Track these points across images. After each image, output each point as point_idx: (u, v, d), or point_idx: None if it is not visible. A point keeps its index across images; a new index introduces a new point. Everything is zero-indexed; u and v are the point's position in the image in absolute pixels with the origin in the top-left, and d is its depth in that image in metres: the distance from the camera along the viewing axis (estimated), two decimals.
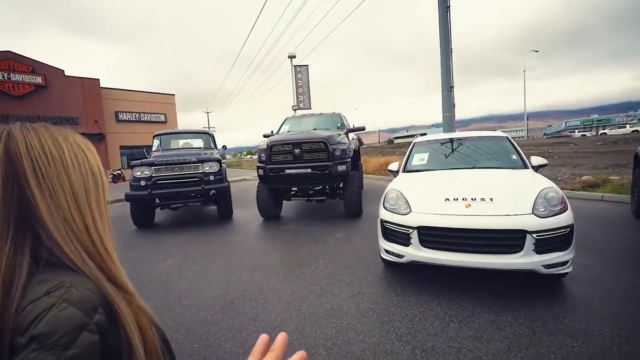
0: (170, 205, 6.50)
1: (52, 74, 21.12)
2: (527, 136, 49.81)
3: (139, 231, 6.17)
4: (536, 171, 3.65)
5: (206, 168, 6.07)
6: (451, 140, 4.58)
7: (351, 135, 7.39)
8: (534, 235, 2.51)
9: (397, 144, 35.79)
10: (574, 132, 47.18)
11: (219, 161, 6.23)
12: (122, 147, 24.68)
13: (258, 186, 6.23)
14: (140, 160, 5.95)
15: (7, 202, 0.47)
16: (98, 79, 23.56)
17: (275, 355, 0.35)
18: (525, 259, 2.53)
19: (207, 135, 8.05)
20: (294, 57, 20.30)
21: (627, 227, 4.57)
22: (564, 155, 14.23)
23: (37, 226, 0.48)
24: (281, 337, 0.39)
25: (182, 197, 6.05)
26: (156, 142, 7.44)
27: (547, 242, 2.54)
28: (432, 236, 2.83)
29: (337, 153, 5.64)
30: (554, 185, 2.93)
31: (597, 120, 52.14)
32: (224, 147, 8.44)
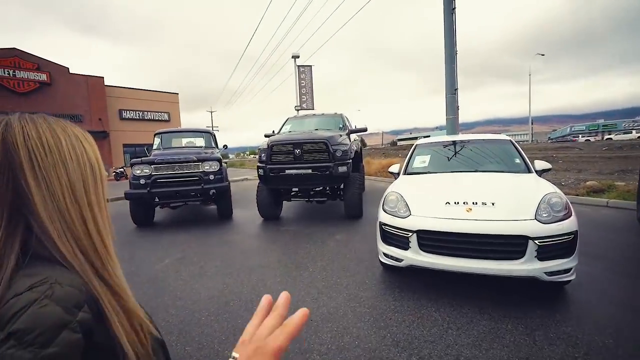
0: (170, 204, 6.48)
1: (57, 71, 21.28)
2: (532, 140, 49.50)
3: (138, 230, 6.15)
4: (540, 176, 3.58)
5: (206, 167, 6.03)
6: (453, 142, 4.52)
7: (353, 136, 7.33)
8: (536, 241, 2.45)
9: (400, 146, 35.69)
10: (578, 137, 46.82)
11: (219, 160, 6.20)
12: (125, 145, 24.78)
13: (258, 186, 6.20)
14: (140, 159, 5.93)
15: (3, 192, 0.46)
16: (102, 77, 23.70)
17: (278, 314, 0.33)
18: (526, 266, 2.46)
19: (207, 134, 8.02)
20: (298, 57, 20.30)
21: (632, 234, 4.48)
22: (568, 160, 14.09)
23: (30, 217, 0.47)
24: (284, 296, 0.36)
25: (182, 196, 6.02)
26: (157, 141, 7.42)
27: (549, 249, 2.47)
28: (431, 240, 2.77)
29: (338, 154, 5.59)
30: (558, 191, 2.87)
31: (603, 125, 51.67)
32: (225, 146, 8.41)
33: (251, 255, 4.33)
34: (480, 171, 3.74)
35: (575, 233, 2.52)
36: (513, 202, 2.77)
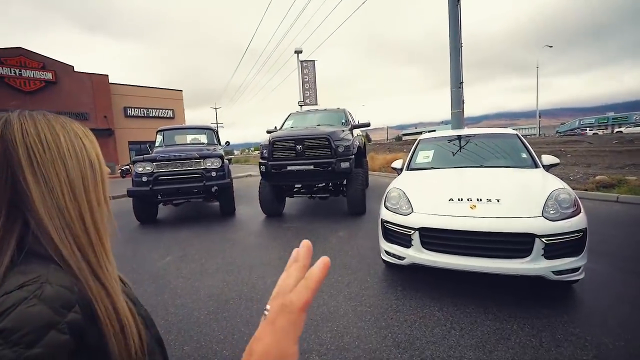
0: (173, 201, 6.47)
1: (62, 70, 21.43)
2: (539, 134, 48.77)
3: (141, 227, 6.16)
4: (547, 171, 3.48)
5: (208, 164, 6.00)
6: (458, 137, 4.41)
7: (356, 131, 7.24)
8: (543, 239, 2.36)
9: (405, 141, 35.43)
10: (586, 130, 45.94)
11: (221, 157, 6.16)
12: (130, 143, 24.96)
13: (260, 182, 6.16)
14: (142, 156, 5.92)
15: (2, 188, 0.46)
16: (107, 75, 23.82)
17: (301, 265, 0.31)
18: (533, 265, 2.38)
19: (210, 131, 7.98)
20: (301, 52, 20.12)
21: None
22: (577, 154, 13.82)
23: (28, 214, 0.47)
24: (305, 245, 0.34)
25: (184, 193, 6.01)
26: (159, 138, 7.41)
27: (557, 247, 2.38)
28: (434, 238, 2.69)
29: (340, 150, 5.51)
30: (566, 186, 2.77)
31: (613, 118, 50.59)
32: (227, 143, 8.37)
33: (252, 252, 4.30)
34: (485, 166, 3.64)
35: (584, 230, 2.43)
36: (519, 199, 2.68)
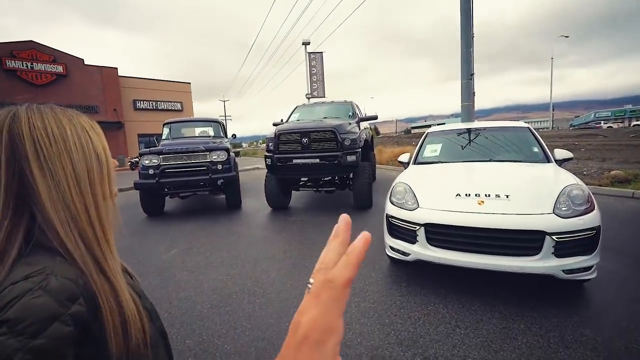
0: (179, 194, 6.51)
1: (72, 63, 21.66)
2: (552, 127, 47.59)
3: (149, 219, 6.22)
4: (560, 165, 3.35)
5: (214, 157, 5.99)
6: (467, 130, 4.29)
7: (363, 124, 7.14)
8: (553, 237, 2.27)
9: (414, 134, 35.02)
10: (600, 123, 44.61)
11: (227, 150, 6.14)
12: (140, 135, 25.22)
13: (266, 176, 6.14)
14: (148, 149, 5.95)
15: (10, 182, 0.47)
16: (116, 68, 24.00)
17: (342, 241, 0.31)
18: (542, 263, 2.30)
19: (216, 124, 7.97)
20: (309, 43, 19.88)
21: None
22: (591, 148, 13.43)
23: (34, 207, 0.48)
24: (343, 220, 0.33)
25: (190, 186, 6.03)
26: (166, 131, 7.43)
27: (568, 245, 2.30)
28: (440, 234, 2.63)
29: (347, 143, 5.44)
30: (580, 182, 2.66)
31: (631, 111, 48.97)
32: (234, 135, 8.36)
33: (257, 246, 4.30)
34: (494, 161, 3.53)
35: (597, 228, 2.33)
36: (529, 195, 2.59)
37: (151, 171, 5.74)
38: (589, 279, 2.45)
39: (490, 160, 3.56)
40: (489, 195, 2.60)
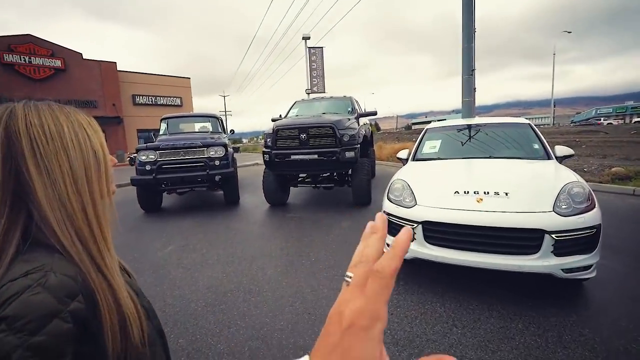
0: (177, 190, 6.47)
1: (71, 57, 21.47)
2: (553, 123, 47.41)
3: (146, 215, 6.19)
4: (561, 162, 3.30)
5: (211, 153, 5.94)
6: (467, 126, 4.23)
7: (363, 120, 7.08)
8: (553, 235, 2.23)
9: (415, 130, 34.88)
10: (601, 120, 44.41)
11: (224, 145, 6.09)
12: (139, 130, 25.10)
13: (264, 172, 6.09)
14: (145, 144, 5.89)
15: (7, 180, 0.46)
16: (115, 62, 23.80)
17: (380, 236, 0.32)
18: (541, 262, 2.26)
19: (214, 119, 7.90)
20: (309, 38, 19.70)
21: None
22: (592, 145, 13.36)
23: (31, 205, 0.47)
24: (381, 218, 0.34)
25: (187, 182, 5.98)
26: (163, 126, 7.37)
27: (568, 244, 2.26)
28: (437, 232, 2.59)
29: (345, 139, 5.38)
30: (580, 180, 2.62)
31: (632, 108, 48.70)
32: (232, 131, 8.29)
33: (254, 242, 4.26)
34: (494, 157, 3.49)
35: (598, 227, 2.29)
36: (529, 192, 2.55)
37: (148, 167, 5.69)
38: (588, 278, 2.41)
39: (490, 157, 3.51)
40: (488, 193, 2.56)
